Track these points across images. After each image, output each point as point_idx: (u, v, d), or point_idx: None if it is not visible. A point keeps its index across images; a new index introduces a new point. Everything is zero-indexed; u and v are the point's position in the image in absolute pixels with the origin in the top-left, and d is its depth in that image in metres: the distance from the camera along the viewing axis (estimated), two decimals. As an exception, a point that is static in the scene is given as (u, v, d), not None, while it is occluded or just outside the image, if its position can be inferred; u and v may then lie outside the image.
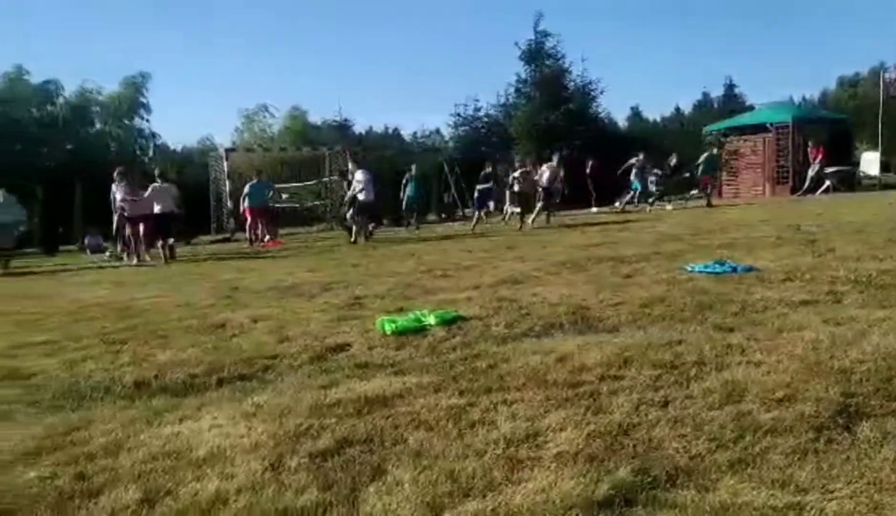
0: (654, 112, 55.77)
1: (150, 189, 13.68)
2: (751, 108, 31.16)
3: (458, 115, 31.16)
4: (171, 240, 13.48)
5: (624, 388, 3.14)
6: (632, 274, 6.63)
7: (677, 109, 45.70)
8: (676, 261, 7.29)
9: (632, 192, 19.24)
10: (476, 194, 17.73)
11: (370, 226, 15.22)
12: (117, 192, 14.44)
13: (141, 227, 13.23)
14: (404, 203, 19.70)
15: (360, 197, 14.25)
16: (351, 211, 14.83)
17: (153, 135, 29.07)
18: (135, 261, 13.21)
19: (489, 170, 18.41)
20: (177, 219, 14.19)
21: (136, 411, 3.37)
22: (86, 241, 19.95)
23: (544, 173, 15.58)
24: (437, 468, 2.45)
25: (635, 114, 45.00)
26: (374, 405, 3.19)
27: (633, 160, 19.16)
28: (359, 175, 14.54)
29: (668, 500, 2.09)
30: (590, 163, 21.32)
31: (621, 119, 39.36)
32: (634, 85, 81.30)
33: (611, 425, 2.71)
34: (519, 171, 15.78)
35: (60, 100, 26.91)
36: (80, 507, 2.31)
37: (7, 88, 25.98)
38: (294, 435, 2.87)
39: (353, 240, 14.25)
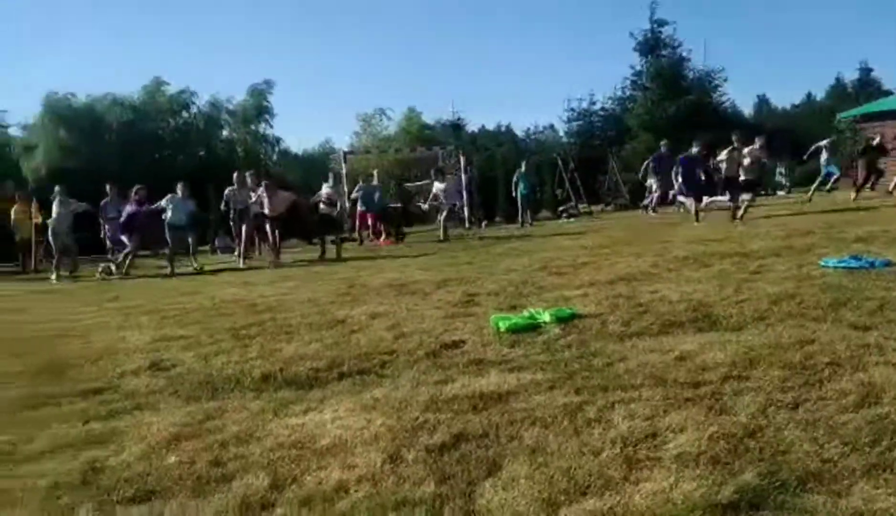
0: (784, 99, 52.92)
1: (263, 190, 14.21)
2: (888, 92, 28.98)
3: (573, 109, 30.75)
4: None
5: (750, 389, 3.01)
6: (759, 269, 6.33)
7: (809, 96, 43.25)
8: (809, 256, 6.89)
9: (831, 177, 17.08)
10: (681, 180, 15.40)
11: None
12: (236, 195, 15.21)
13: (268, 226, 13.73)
14: (518, 200, 19.60)
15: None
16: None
17: (277, 140, 30.37)
18: (268, 260, 13.58)
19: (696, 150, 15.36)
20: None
21: (264, 402, 3.55)
22: (216, 243, 21.15)
23: (744, 158, 14.25)
24: (554, 465, 2.44)
25: (762, 102, 42.95)
26: (489, 401, 3.22)
27: (822, 143, 17.19)
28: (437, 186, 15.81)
29: (798, 505, 1.99)
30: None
31: (747, 108, 37.59)
32: (761, 71, 77.11)
33: (735, 426, 2.61)
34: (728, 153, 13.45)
35: (194, 109, 28.61)
36: (215, 491, 2.47)
37: (148, 100, 27.85)
38: (411, 429, 2.94)
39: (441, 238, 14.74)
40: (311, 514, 2.24)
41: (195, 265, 13.16)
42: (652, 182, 17.27)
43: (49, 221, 14.30)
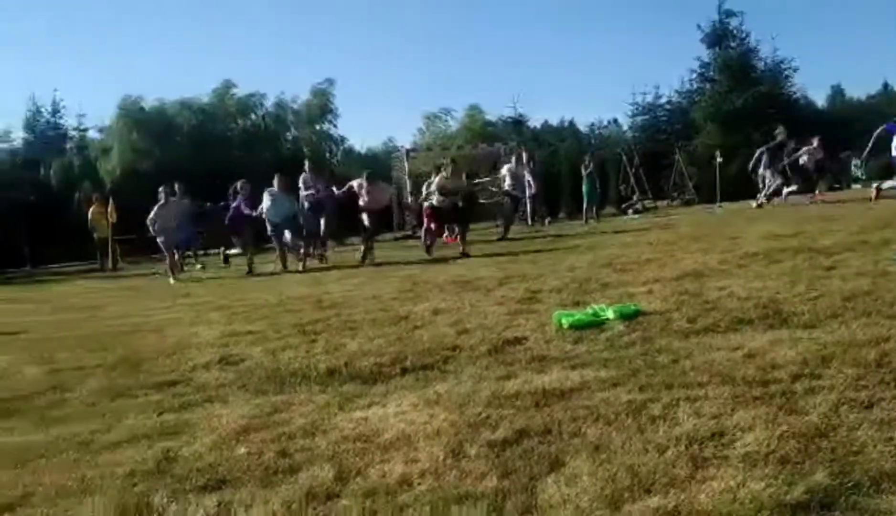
0: (859, 90, 50.80)
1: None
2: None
3: (637, 103, 30.23)
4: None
5: (821, 388, 2.92)
6: (833, 265, 6.11)
7: (885, 85, 41.37)
8: (886, 251, 6.61)
9: None
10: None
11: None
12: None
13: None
14: (584, 197, 19.36)
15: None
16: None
17: (341, 139, 30.80)
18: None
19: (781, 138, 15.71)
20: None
21: (329, 396, 3.62)
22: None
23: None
24: (617, 462, 2.42)
25: (836, 92, 41.33)
26: (551, 397, 3.21)
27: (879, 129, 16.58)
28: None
29: (872, 507, 1.92)
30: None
31: (821, 99, 36.25)
32: (835, 61, 74.04)
33: (806, 426, 2.54)
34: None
35: (262, 111, 29.28)
36: (282, 481, 2.54)
37: (217, 102, 28.65)
38: (473, 424, 2.95)
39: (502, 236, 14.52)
40: (375, 506, 2.28)
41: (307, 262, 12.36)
42: (766, 173, 16.44)
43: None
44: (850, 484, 2.06)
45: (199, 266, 15.78)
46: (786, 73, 27.83)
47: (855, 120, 26.47)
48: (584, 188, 19.12)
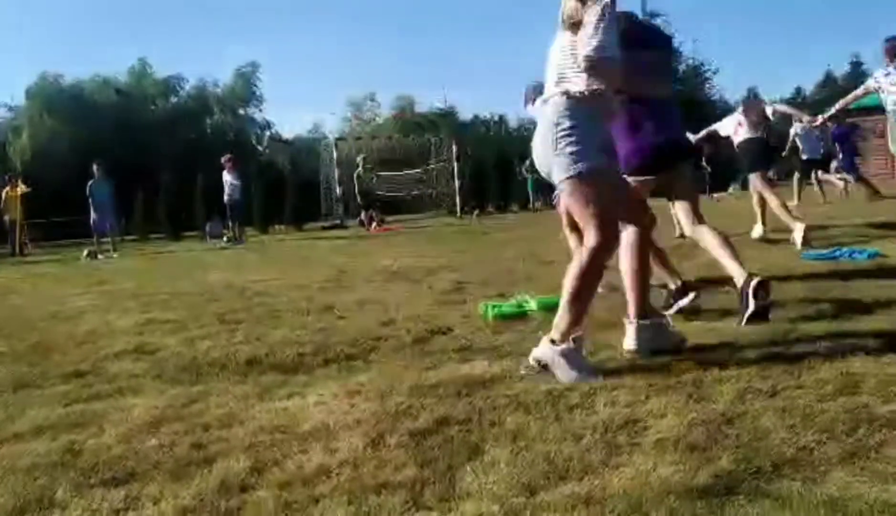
0: (774, 93, 52.95)
1: None
2: (880, 85, 29.07)
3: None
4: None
5: (729, 377, 3.03)
6: (743, 259, 6.36)
7: (798, 90, 43.33)
8: (792, 246, 6.93)
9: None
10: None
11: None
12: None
13: None
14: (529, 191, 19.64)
15: None
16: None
17: (267, 123, 30.26)
18: None
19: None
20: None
21: (248, 387, 3.54)
22: (207, 228, 21.13)
23: None
24: (535, 450, 2.45)
25: (752, 95, 42.99)
26: (473, 387, 3.22)
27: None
28: None
29: (772, 491, 2.01)
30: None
31: (737, 101, 37.61)
32: (751, 65, 77.07)
33: (714, 413, 2.63)
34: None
35: (183, 93, 28.48)
36: (195, 474, 2.47)
37: (134, 83, 27.71)
38: (395, 414, 2.94)
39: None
40: (291, 497, 2.24)
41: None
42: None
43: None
44: (752, 470, 2.14)
45: (115, 254, 15.24)
46: (706, 75, 28.87)
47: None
48: (528, 181, 19.35)
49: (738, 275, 4.14)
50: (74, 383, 3.87)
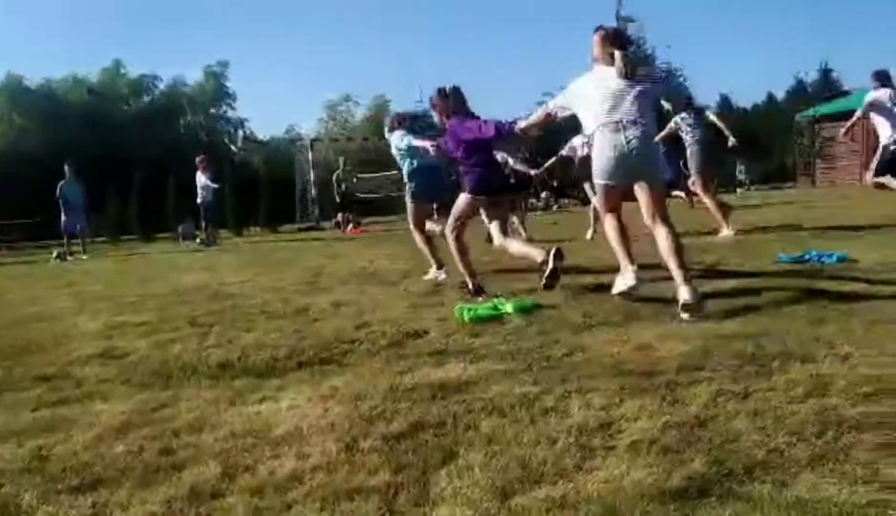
0: (745, 99, 53.62)
1: None
2: (847, 92, 29.60)
3: (545, 103, 30.92)
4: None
5: (702, 379, 3.06)
6: (716, 263, 6.44)
7: (769, 96, 43.89)
8: (765, 250, 7.02)
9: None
10: None
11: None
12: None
13: None
14: None
15: None
16: None
17: (241, 122, 29.98)
18: None
19: None
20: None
21: (220, 391, 3.50)
22: (180, 229, 20.91)
23: None
24: (509, 454, 2.45)
25: (725, 101, 43.50)
26: (448, 391, 3.22)
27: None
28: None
29: (744, 493, 2.02)
30: None
31: (710, 107, 38.07)
32: (723, 71, 78.05)
33: (687, 416, 2.65)
34: None
35: (156, 92, 28.16)
36: (164, 480, 2.43)
37: (107, 82, 27.35)
38: (369, 418, 2.92)
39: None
40: (263, 503, 2.22)
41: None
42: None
43: None
44: (725, 472, 2.16)
45: (84, 256, 15.01)
46: (679, 80, 29.16)
47: (741, 128, 27.98)
48: None
49: (539, 256, 5.42)
50: (42, 387, 3.80)
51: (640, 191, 4.92)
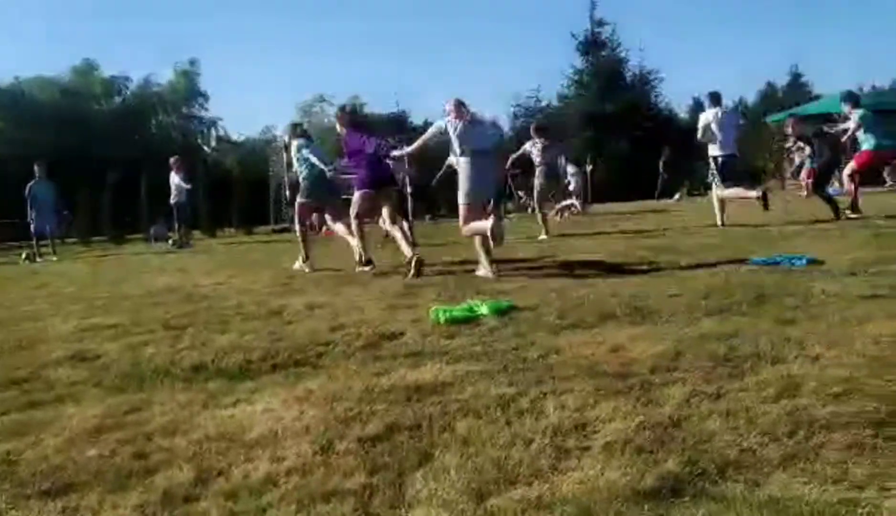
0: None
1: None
2: (817, 97, 30.09)
3: (519, 105, 31.02)
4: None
5: (676, 380, 3.09)
6: (689, 265, 6.51)
7: (740, 100, 44.42)
8: (736, 253, 7.11)
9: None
10: None
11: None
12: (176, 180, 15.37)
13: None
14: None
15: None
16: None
17: (213, 122, 29.63)
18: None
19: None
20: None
21: (193, 394, 3.46)
22: (152, 231, 20.65)
23: None
24: (484, 455, 2.46)
25: (697, 104, 43.97)
26: (423, 392, 3.22)
27: None
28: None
29: (717, 493, 2.05)
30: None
31: (683, 110, 38.45)
32: (696, 75, 78.81)
33: (661, 416, 2.67)
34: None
35: (127, 92, 27.79)
36: (136, 485, 2.40)
37: (79, 82, 26.94)
38: (344, 420, 2.91)
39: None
40: (237, 507, 2.20)
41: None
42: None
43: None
44: (698, 472, 2.19)
45: (54, 258, 14.78)
46: (653, 83, 29.48)
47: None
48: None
49: (408, 251, 7.50)
50: (11, 391, 3.74)
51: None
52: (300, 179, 8.67)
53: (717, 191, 10.61)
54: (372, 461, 2.48)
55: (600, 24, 28.75)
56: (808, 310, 4.26)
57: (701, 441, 2.43)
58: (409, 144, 7.96)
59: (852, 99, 11.28)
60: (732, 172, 10.58)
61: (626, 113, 26.05)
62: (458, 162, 6.91)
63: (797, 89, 37.19)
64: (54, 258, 14.67)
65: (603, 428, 2.62)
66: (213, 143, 29.54)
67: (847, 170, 11.16)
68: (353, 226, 8.11)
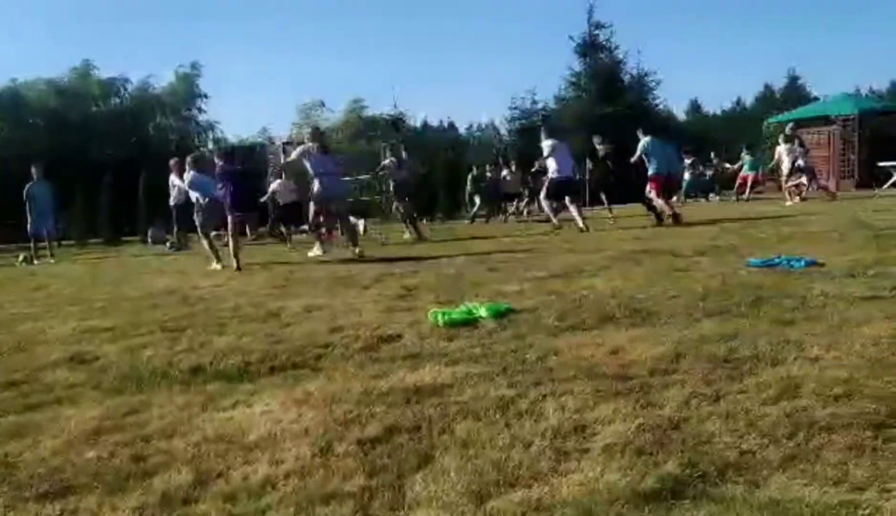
0: (715, 105, 54.37)
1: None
2: (815, 99, 30.15)
3: (516, 107, 31.03)
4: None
5: (675, 382, 3.09)
6: (688, 267, 6.50)
7: (738, 102, 44.55)
8: (735, 255, 7.12)
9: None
10: None
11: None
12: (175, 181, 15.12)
13: None
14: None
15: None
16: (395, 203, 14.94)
17: (211, 125, 29.56)
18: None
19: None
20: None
21: (192, 396, 3.46)
22: (149, 233, 20.60)
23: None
24: (484, 457, 2.45)
25: (695, 107, 44.08)
26: (422, 394, 3.21)
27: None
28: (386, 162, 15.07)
29: (717, 495, 2.05)
30: None
31: (680, 112, 38.52)
32: (694, 77, 78.96)
33: (660, 418, 2.67)
34: None
35: (126, 94, 27.74)
36: (135, 487, 2.39)
37: (78, 84, 26.89)
38: (343, 422, 2.91)
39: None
40: (236, 509, 2.19)
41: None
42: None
43: None
44: (698, 474, 2.19)
45: (52, 260, 14.74)
46: (650, 85, 29.50)
47: (709, 132, 28.42)
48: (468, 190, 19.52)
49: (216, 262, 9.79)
50: (9, 392, 3.73)
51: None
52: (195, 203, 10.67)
53: (545, 204, 12.88)
54: (371, 463, 2.48)
55: (598, 26, 28.81)
56: (808, 312, 4.26)
57: (701, 442, 2.43)
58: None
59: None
60: (563, 192, 12.52)
61: (624, 115, 26.07)
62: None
63: (795, 91, 37.25)
64: (52, 260, 14.62)
65: (603, 430, 2.61)
66: (210, 146, 29.50)
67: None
68: (230, 233, 9.84)
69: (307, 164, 10.33)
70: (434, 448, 2.57)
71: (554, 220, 12.37)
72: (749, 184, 18.34)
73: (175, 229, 17.09)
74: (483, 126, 39.17)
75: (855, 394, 2.74)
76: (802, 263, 6.08)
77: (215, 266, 9.86)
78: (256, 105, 69.27)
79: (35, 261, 14.48)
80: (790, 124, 18.50)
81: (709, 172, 21.16)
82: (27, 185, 15.10)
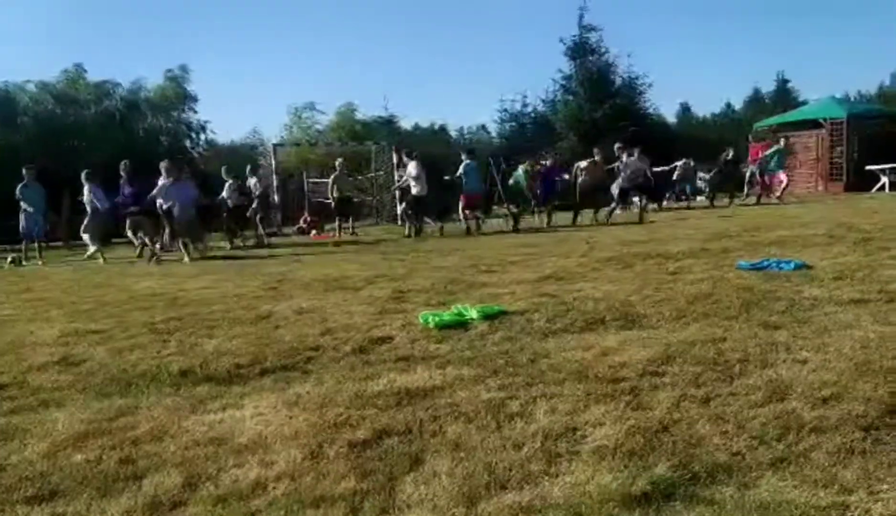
0: (704, 108, 54.57)
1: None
2: (804, 103, 30.31)
3: (506, 110, 31.01)
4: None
5: (665, 384, 3.10)
6: (678, 271, 6.53)
7: (728, 105, 44.68)
8: (725, 258, 7.15)
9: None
10: None
11: (429, 221, 15.12)
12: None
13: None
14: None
15: (413, 191, 14.32)
16: (404, 205, 14.96)
17: (202, 126, 29.38)
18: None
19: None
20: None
21: (181, 399, 3.44)
22: (139, 235, 20.47)
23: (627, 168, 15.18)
24: (475, 459, 2.45)
25: (685, 110, 44.16)
26: (414, 397, 3.21)
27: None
28: (411, 168, 14.55)
29: (707, 497, 2.05)
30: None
31: (670, 115, 38.60)
32: (684, 81, 79.09)
33: (651, 421, 2.68)
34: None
35: (115, 96, 27.56)
36: (123, 490, 2.37)
37: (68, 87, 26.73)
38: (334, 425, 2.90)
39: (406, 234, 14.33)
40: (226, 512, 2.18)
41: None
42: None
43: None
44: (688, 476, 2.19)
45: (40, 262, 14.63)
46: (640, 88, 29.55)
47: (699, 135, 28.51)
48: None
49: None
50: (-5, 396, 3.69)
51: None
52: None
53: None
54: (362, 466, 2.47)
55: (589, 29, 28.85)
56: (796, 315, 4.28)
57: (691, 445, 2.43)
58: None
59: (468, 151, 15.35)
60: (424, 208, 14.54)
61: (614, 118, 26.11)
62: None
63: (784, 95, 37.41)
64: (40, 262, 14.51)
65: (593, 433, 2.62)
66: (201, 148, 29.35)
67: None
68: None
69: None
70: (425, 450, 2.57)
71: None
72: (784, 183, 17.70)
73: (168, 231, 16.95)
74: (475, 129, 39.10)
75: (843, 397, 2.75)
76: (791, 266, 6.11)
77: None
78: (247, 107, 68.90)
79: (24, 263, 14.37)
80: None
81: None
82: (18, 187, 14.99)
